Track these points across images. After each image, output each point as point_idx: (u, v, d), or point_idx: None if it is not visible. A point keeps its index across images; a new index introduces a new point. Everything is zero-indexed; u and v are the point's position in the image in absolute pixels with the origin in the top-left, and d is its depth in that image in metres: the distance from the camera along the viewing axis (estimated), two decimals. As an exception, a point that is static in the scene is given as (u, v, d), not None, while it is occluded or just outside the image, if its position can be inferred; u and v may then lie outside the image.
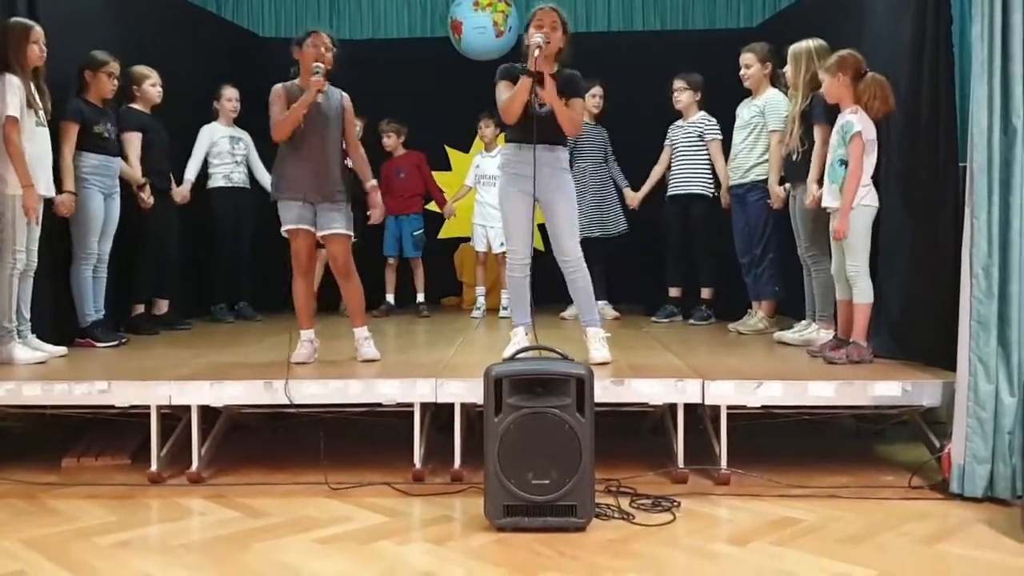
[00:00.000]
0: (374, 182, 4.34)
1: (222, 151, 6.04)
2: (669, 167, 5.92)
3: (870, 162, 3.96)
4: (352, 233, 4.17)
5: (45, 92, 4.31)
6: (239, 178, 6.11)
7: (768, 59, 5.12)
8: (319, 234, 4.10)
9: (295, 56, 4.09)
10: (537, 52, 3.81)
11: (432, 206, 6.80)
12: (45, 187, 4.32)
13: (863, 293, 3.97)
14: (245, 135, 6.17)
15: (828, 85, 4.07)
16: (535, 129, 3.88)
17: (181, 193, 5.76)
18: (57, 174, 4.49)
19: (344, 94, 4.19)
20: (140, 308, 5.45)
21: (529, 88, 3.85)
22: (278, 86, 4.09)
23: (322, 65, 3.99)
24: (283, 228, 4.12)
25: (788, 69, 4.62)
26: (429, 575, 2.65)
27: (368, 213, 4.30)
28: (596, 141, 6.14)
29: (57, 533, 3.02)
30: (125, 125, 5.21)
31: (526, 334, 4.06)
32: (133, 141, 5.26)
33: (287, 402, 3.68)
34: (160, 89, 5.35)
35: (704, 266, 5.85)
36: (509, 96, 3.90)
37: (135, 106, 5.33)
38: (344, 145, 4.19)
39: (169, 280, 5.63)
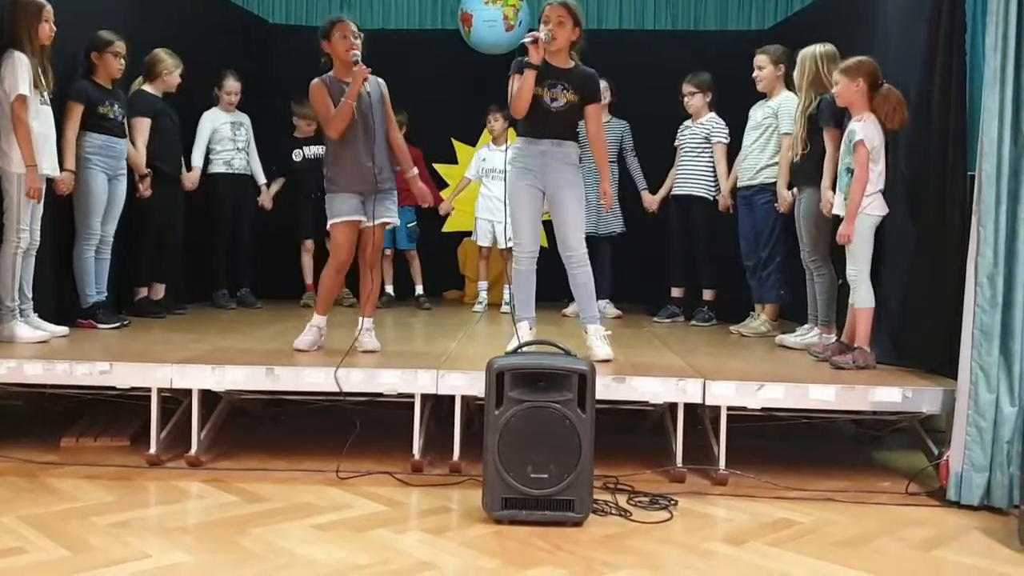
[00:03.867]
0: (415, 171, 4.30)
1: (223, 137, 6.02)
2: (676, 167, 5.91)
3: (877, 170, 3.95)
4: (397, 220, 4.25)
5: (49, 71, 4.29)
6: (240, 164, 6.10)
7: (781, 61, 5.10)
8: (374, 223, 4.07)
9: (324, 49, 4.05)
10: (529, 43, 3.82)
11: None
12: (49, 166, 4.31)
13: (863, 299, 3.98)
14: (246, 120, 6.16)
15: (843, 88, 4.02)
16: (544, 123, 3.90)
17: (191, 179, 5.78)
18: (59, 153, 4.49)
19: (380, 80, 4.16)
20: (143, 291, 5.45)
21: (533, 82, 3.87)
22: (316, 82, 4.04)
23: (358, 52, 3.96)
24: (334, 220, 4.05)
25: (795, 71, 4.62)
26: (425, 564, 2.66)
27: (424, 204, 4.40)
28: (609, 136, 6.01)
29: (56, 512, 3.03)
30: (135, 110, 5.21)
31: (530, 328, 4.06)
32: (141, 127, 5.26)
33: (290, 388, 3.70)
34: (179, 79, 5.39)
35: (706, 267, 5.84)
36: (516, 90, 3.91)
37: (148, 89, 5.34)
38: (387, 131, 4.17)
39: (169, 265, 5.62)
